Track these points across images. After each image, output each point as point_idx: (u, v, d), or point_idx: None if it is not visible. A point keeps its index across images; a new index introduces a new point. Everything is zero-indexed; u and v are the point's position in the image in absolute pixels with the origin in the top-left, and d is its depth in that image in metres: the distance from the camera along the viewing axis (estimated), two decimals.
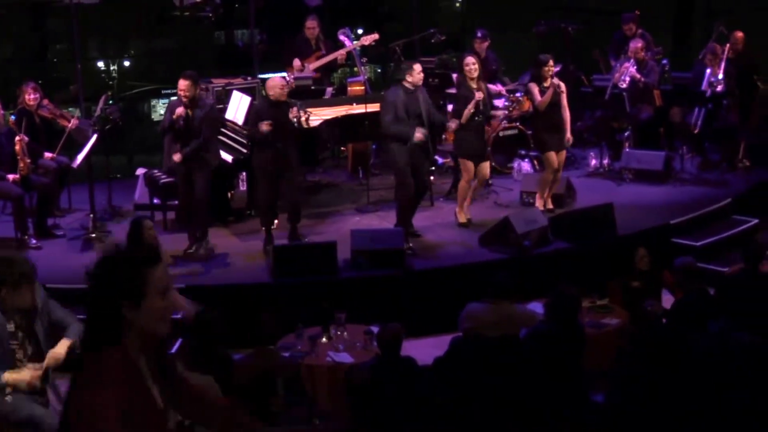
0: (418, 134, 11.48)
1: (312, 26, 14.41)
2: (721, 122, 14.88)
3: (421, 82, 11.73)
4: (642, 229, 12.46)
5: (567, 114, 12.73)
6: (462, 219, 12.54)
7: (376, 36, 14.45)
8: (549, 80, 12.59)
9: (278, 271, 10.95)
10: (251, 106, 12.51)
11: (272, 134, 11.33)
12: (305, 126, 12.12)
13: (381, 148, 14.12)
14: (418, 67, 11.79)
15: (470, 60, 12.23)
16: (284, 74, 13.95)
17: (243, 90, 13.47)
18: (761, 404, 6.81)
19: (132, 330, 3.78)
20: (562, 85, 12.70)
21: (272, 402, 7.91)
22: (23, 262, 6.77)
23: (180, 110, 11.16)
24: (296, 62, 14.21)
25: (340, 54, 14.30)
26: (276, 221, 11.99)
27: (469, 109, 11.95)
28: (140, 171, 13.59)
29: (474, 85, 12.11)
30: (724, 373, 7.20)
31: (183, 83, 11.25)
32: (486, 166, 12.56)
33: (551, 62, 12.69)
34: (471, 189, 12.53)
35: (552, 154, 12.64)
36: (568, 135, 12.74)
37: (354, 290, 10.94)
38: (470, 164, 12.33)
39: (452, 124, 12.22)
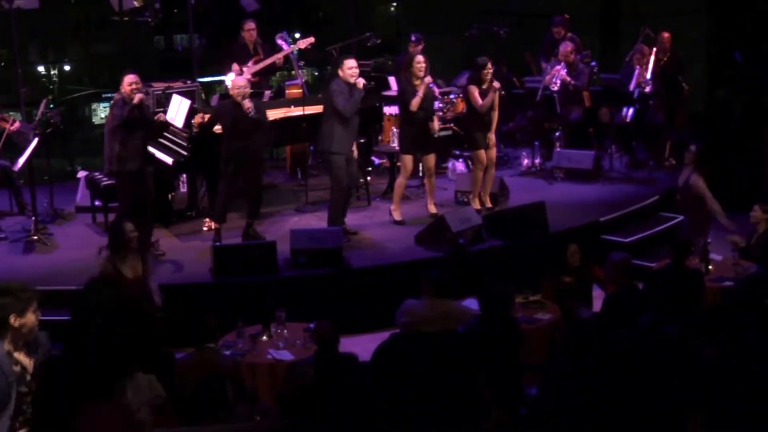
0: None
1: (249, 30, 14.34)
2: (647, 121, 15.02)
3: (352, 79, 11.67)
4: (573, 227, 12.55)
5: (496, 114, 12.80)
6: (397, 217, 12.56)
7: (312, 39, 14.42)
8: (488, 82, 12.63)
9: (219, 270, 10.89)
10: (216, 105, 12.49)
11: (235, 132, 11.34)
12: (264, 119, 11.99)
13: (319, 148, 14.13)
14: (349, 62, 11.77)
15: (420, 58, 12.30)
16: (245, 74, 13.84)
17: (182, 93, 13.36)
18: (688, 395, 6.86)
19: None
20: (498, 86, 12.77)
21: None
22: (23, 287, 6.30)
23: (140, 95, 11.07)
24: (234, 67, 14.13)
25: (278, 58, 14.24)
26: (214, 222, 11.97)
27: (419, 96, 11.99)
28: (81, 174, 13.45)
29: (419, 83, 12.16)
30: (653, 366, 7.24)
31: (133, 77, 11.20)
32: (431, 159, 12.61)
33: (490, 65, 12.72)
34: (431, 184, 12.66)
35: (482, 152, 12.70)
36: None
37: (294, 289, 10.91)
38: (409, 162, 12.38)
39: (435, 125, 12.37)
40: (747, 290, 9.24)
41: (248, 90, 11.62)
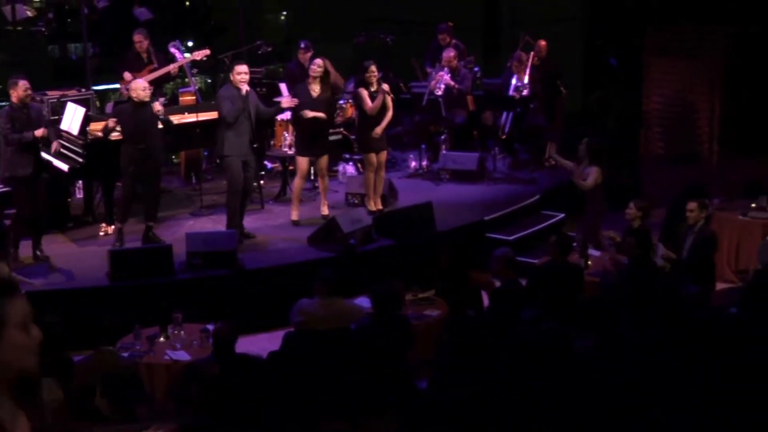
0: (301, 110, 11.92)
1: (139, 41, 14.12)
2: (528, 124, 15.19)
3: (243, 84, 11.58)
4: (459, 225, 12.62)
5: (389, 115, 12.78)
6: (294, 217, 12.52)
7: (207, 51, 14.27)
8: (376, 85, 12.63)
9: (115, 274, 10.72)
10: (114, 108, 12.31)
11: (136, 135, 11.20)
12: (172, 122, 11.84)
13: (213, 154, 14.01)
14: (239, 67, 11.69)
15: (318, 61, 12.30)
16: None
17: (77, 101, 13.14)
18: (569, 387, 6.94)
19: None
20: (387, 88, 12.79)
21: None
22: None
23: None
24: (127, 75, 13.89)
25: (172, 68, 14.05)
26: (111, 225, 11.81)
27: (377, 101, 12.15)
28: None
29: (316, 86, 12.13)
30: (536, 359, 7.32)
31: (26, 82, 11.04)
32: (323, 161, 12.58)
33: (373, 67, 12.69)
34: (324, 186, 12.65)
35: (372, 155, 12.70)
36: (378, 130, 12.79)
37: (190, 290, 10.80)
38: (304, 164, 12.35)
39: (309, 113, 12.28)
40: (621, 283, 9.40)
41: (148, 92, 11.48)
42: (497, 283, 9.69)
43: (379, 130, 12.55)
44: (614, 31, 17.51)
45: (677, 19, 16.59)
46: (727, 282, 11.93)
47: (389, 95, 12.67)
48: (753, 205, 12.54)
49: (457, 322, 7.94)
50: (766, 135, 16.01)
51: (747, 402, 6.68)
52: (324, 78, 12.34)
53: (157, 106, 11.26)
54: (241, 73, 11.59)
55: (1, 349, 3.32)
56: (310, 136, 12.28)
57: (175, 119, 12.99)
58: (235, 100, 11.50)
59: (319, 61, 12.37)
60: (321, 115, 12.22)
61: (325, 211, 12.61)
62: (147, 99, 11.38)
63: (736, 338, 7.66)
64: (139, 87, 11.39)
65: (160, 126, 11.46)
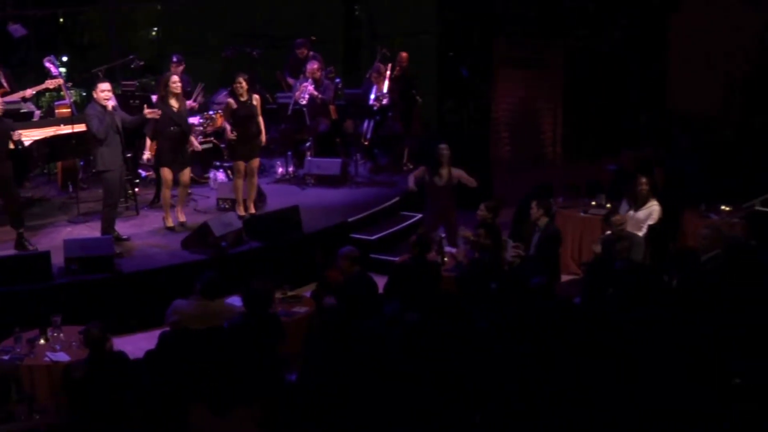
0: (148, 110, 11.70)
1: None
2: (387, 131, 15.31)
3: (106, 101, 11.38)
4: (324, 227, 12.68)
5: (259, 125, 12.74)
6: (169, 223, 12.39)
7: (60, 80, 13.93)
8: (245, 95, 12.57)
9: None
10: None
11: None
12: (21, 146, 11.63)
13: (89, 164, 13.76)
14: (102, 85, 11.52)
15: (175, 78, 12.15)
16: None
17: None
18: (431, 373, 7.05)
19: None
20: (258, 99, 12.75)
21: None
22: None
23: None
24: None
25: (53, 83, 13.71)
26: None
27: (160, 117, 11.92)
28: None
29: (175, 102, 12.01)
30: (397, 349, 7.41)
31: None
32: (186, 173, 12.42)
33: (241, 78, 12.62)
34: (182, 196, 12.52)
35: (240, 163, 12.64)
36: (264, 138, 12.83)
37: (69, 294, 10.60)
38: (167, 174, 12.20)
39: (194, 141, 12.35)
40: (472, 276, 9.54)
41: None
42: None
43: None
44: (465, 44, 17.75)
45: (521, 34, 16.94)
46: (571, 274, 12.24)
47: (258, 105, 12.64)
48: (593, 203, 12.89)
49: (321, 314, 8.01)
50: (604, 139, 16.49)
51: (590, 380, 6.90)
52: (179, 93, 12.18)
53: (16, 135, 11.15)
54: (105, 91, 11.45)
55: None
56: (171, 149, 12.14)
57: (52, 131, 12.81)
58: (102, 117, 11.34)
59: (176, 77, 12.25)
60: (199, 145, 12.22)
61: (169, 223, 12.46)
62: None
63: (579, 324, 7.89)
64: None
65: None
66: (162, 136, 12.11)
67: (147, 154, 13.13)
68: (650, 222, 11.42)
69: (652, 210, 11.54)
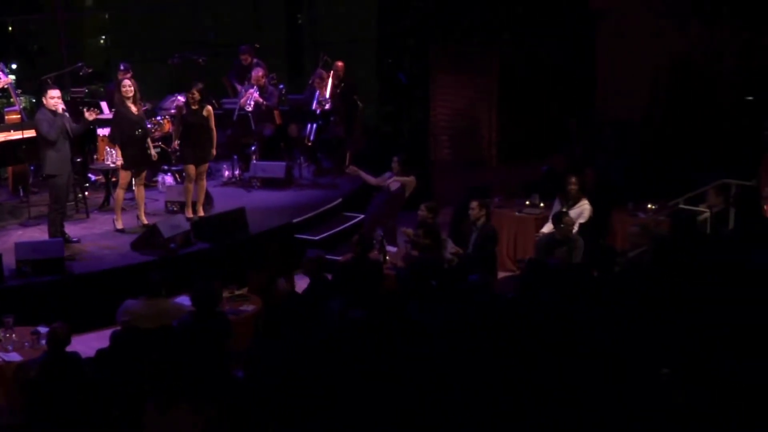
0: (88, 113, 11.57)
1: None
2: (329, 135, 15.35)
3: (55, 107, 11.34)
4: (270, 228, 12.68)
5: (213, 138, 12.74)
6: (119, 225, 12.33)
7: (10, 79, 13.83)
8: (197, 105, 12.53)
9: None
10: None
11: None
12: None
13: (39, 169, 13.63)
14: (52, 92, 11.47)
15: (127, 82, 12.10)
16: None
17: None
18: (369, 369, 7.09)
19: None
20: (210, 110, 12.73)
21: None
22: None
23: None
24: None
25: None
26: None
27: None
28: None
29: (132, 105, 11.96)
30: (344, 344, 7.46)
31: None
32: (143, 173, 12.43)
33: (194, 90, 12.52)
34: (141, 196, 12.45)
35: (191, 167, 12.61)
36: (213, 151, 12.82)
37: (20, 296, 10.51)
38: (126, 177, 12.17)
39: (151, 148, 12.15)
40: (413, 273, 9.60)
41: None
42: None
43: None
44: (402, 50, 17.86)
45: (457, 40, 17.06)
46: (507, 271, 12.36)
47: (209, 114, 12.63)
48: (527, 202, 13.02)
49: (269, 314, 8.03)
50: (536, 141, 16.68)
51: (524, 373, 6.99)
52: (135, 97, 12.13)
53: None
54: (54, 97, 11.41)
55: None
56: (137, 151, 12.09)
57: (2, 137, 12.68)
58: (53, 121, 11.29)
59: (128, 81, 12.20)
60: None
61: (119, 225, 12.42)
62: None
63: (513, 319, 7.98)
64: None
65: None
66: (128, 140, 12.04)
67: (114, 157, 13.01)
68: (581, 221, 11.58)
69: (584, 209, 11.70)
